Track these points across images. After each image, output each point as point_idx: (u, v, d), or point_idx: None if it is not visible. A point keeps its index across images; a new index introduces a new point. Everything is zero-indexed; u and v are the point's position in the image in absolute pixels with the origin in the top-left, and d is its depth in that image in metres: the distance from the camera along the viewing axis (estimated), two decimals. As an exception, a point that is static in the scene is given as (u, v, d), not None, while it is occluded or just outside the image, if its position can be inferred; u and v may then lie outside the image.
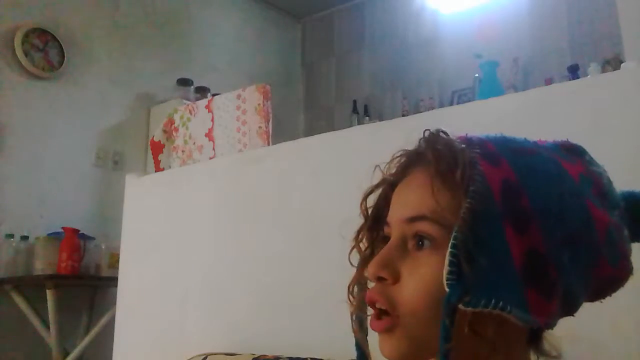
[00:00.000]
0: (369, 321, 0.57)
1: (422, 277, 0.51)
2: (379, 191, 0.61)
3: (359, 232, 0.61)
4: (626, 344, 0.81)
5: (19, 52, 3.03)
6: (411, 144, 0.58)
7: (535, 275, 0.48)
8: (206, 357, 1.14)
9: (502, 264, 0.48)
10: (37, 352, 2.82)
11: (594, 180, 0.54)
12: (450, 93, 3.91)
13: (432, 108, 3.72)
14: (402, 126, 1.22)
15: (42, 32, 3.15)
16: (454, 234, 0.48)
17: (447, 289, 0.48)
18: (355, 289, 0.61)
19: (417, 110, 3.97)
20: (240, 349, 1.16)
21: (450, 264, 0.48)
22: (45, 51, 3.15)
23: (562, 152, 0.56)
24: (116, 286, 1.58)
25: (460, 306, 0.47)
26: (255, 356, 1.08)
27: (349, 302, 0.61)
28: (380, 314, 0.53)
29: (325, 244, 1.16)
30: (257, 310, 1.26)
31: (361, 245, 0.61)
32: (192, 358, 1.16)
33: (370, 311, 0.57)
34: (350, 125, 3.67)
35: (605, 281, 0.54)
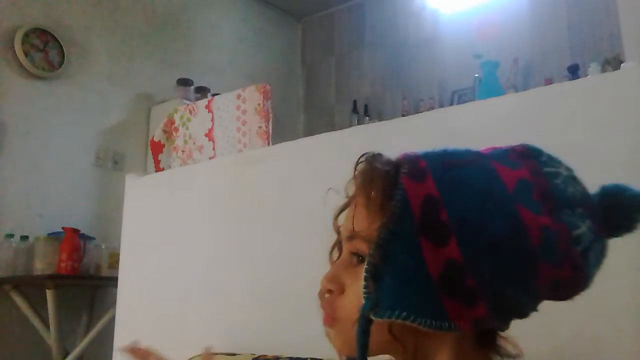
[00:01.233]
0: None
1: (357, 290, 0.55)
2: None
3: (332, 248, 0.66)
4: (626, 343, 0.81)
5: (19, 52, 3.03)
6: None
7: (453, 284, 0.51)
8: (206, 357, 1.14)
9: (412, 277, 0.52)
10: (37, 352, 2.82)
11: (538, 183, 0.55)
12: (450, 93, 3.91)
13: (432, 108, 3.72)
14: (402, 126, 1.22)
15: (42, 32, 3.15)
16: (369, 252, 0.54)
17: (362, 301, 0.53)
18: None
19: (417, 110, 3.97)
20: (240, 349, 1.16)
21: (365, 279, 0.53)
22: (45, 51, 3.15)
23: (507, 158, 0.57)
24: (116, 286, 1.58)
25: (372, 317, 0.52)
26: (255, 356, 1.08)
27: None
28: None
29: (325, 243, 1.16)
30: (257, 310, 1.26)
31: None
32: (192, 358, 1.16)
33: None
34: (350, 125, 3.67)
35: (558, 283, 0.54)
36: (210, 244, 1.41)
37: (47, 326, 2.74)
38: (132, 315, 1.52)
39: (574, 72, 3.26)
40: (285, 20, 4.78)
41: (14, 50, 3.03)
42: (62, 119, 3.18)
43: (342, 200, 0.63)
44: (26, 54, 3.06)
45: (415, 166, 0.56)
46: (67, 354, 2.79)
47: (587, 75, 2.99)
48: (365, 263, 0.54)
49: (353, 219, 0.58)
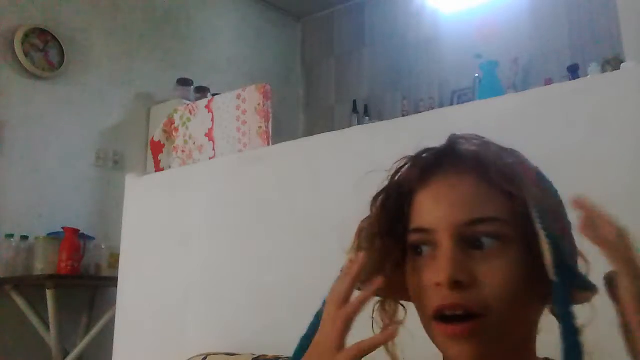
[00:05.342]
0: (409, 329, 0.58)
1: (503, 275, 0.51)
2: (381, 196, 0.59)
3: (372, 237, 0.58)
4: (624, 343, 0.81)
5: (19, 52, 3.03)
6: (414, 145, 0.59)
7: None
8: (206, 357, 1.14)
9: None
10: (37, 352, 2.82)
11: None
12: (450, 93, 3.91)
13: (432, 108, 3.71)
14: (402, 126, 1.22)
15: (42, 32, 3.15)
16: (556, 234, 0.50)
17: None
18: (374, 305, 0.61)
19: (417, 110, 3.96)
20: (240, 349, 1.16)
21: (569, 265, 0.51)
22: (45, 51, 3.15)
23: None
24: (116, 286, 1.58)
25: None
26: (255, 356, 1.08)
27: (379, 320, 0.60)
28: (456, 318, 0.51)
29: (325, 243, 1.16)
30: (257, 310, 1.26)
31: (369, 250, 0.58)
32: (192, 358, 1.16)
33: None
34: (350, 125, 3.66)
35: None
36: (210, 244, 1.41)
37: (47, 326, 2.74)
38: (132, 315, 1.52)
39: (574, 72, 3.25)
40: (285, 20, 4.78)
41: (14, 50, 3.03)
42: (62, 119, 3.18)
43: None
44: (26, 54, 3.06)
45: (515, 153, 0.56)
46: (67, 354, 2.79)
47: (587, 75, 2.99)
48: (556, 246, 0.49)
49: (474, 199, 0.53)
